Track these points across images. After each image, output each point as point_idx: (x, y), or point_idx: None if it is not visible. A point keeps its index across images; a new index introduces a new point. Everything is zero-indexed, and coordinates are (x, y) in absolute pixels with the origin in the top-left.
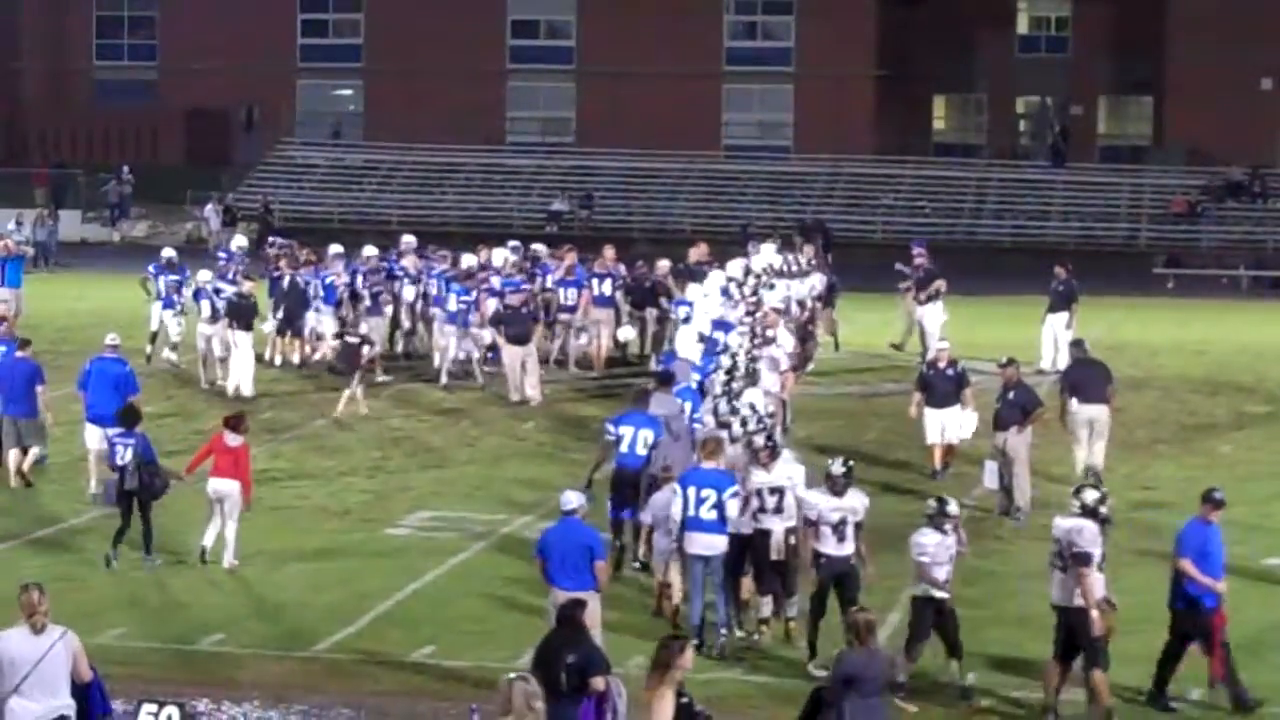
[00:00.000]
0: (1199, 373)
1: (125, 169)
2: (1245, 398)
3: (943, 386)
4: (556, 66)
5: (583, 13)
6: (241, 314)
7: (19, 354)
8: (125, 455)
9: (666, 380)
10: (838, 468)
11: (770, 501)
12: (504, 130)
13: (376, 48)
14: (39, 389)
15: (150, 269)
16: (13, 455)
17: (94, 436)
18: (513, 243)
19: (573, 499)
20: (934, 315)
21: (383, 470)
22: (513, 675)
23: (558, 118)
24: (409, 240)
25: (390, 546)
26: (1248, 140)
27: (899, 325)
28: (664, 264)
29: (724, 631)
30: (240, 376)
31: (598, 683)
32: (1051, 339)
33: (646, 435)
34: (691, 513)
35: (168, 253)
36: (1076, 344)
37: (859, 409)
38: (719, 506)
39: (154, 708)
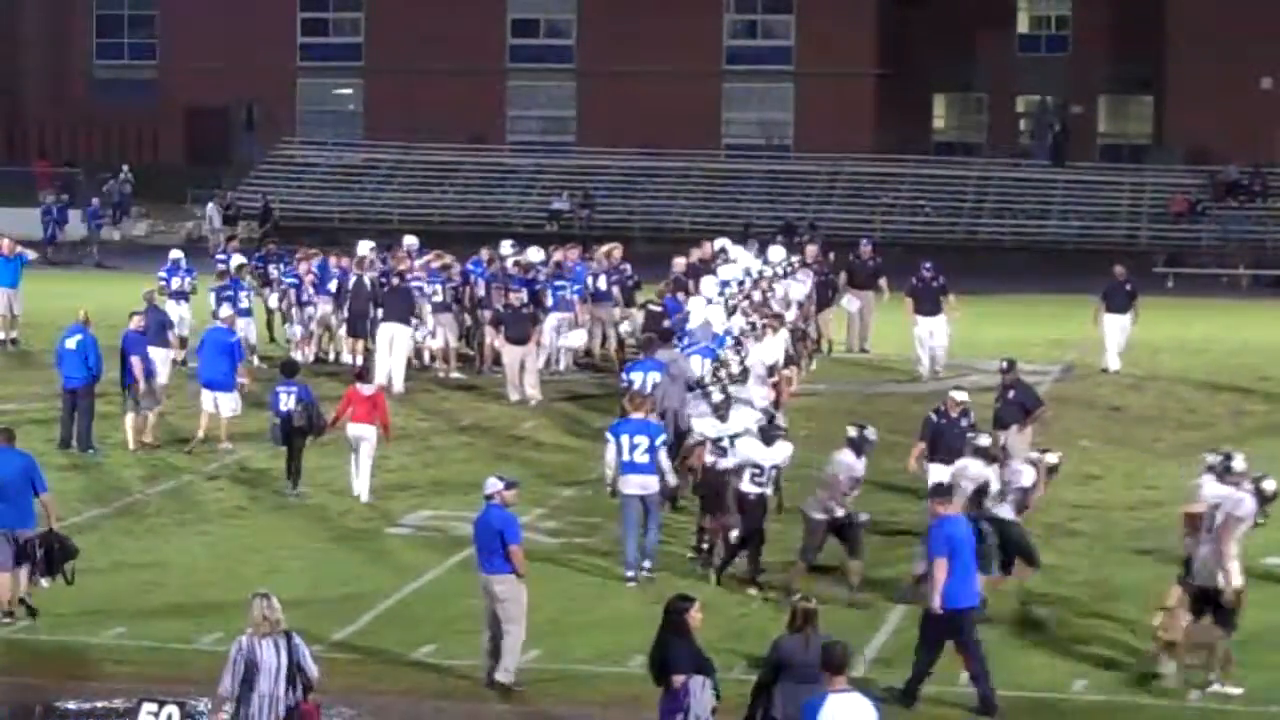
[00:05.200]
0: (1199, 372)
1: (125, 168)
2: (1245, 397)
3: (953, 440)
4: (556, 66)
5: (583, 12)
6: (401, 310)
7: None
8: (288, 401)
9: (665, 337)
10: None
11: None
12: (504, 130)
13: (376, 47)
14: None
15: (161, 272)
16: (130, 419)
17: (208, 399)
18: (510, 242)
19: (489, 484)
20: (940, 328)
21: (382, 469)
22: (255, 593)
23: (558, 117)
24: (410, 241)
25: (390, 546)
26: (1248, 139)
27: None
28: (679, 262)
29: (647, 565)
30: (393, 370)
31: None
32: (1115, 339)
33: (654, 376)
34: (626, 457)
35: (175, 254)
36: None
37: (858, 408)
38: (651, 451)
39: (154, 707)
